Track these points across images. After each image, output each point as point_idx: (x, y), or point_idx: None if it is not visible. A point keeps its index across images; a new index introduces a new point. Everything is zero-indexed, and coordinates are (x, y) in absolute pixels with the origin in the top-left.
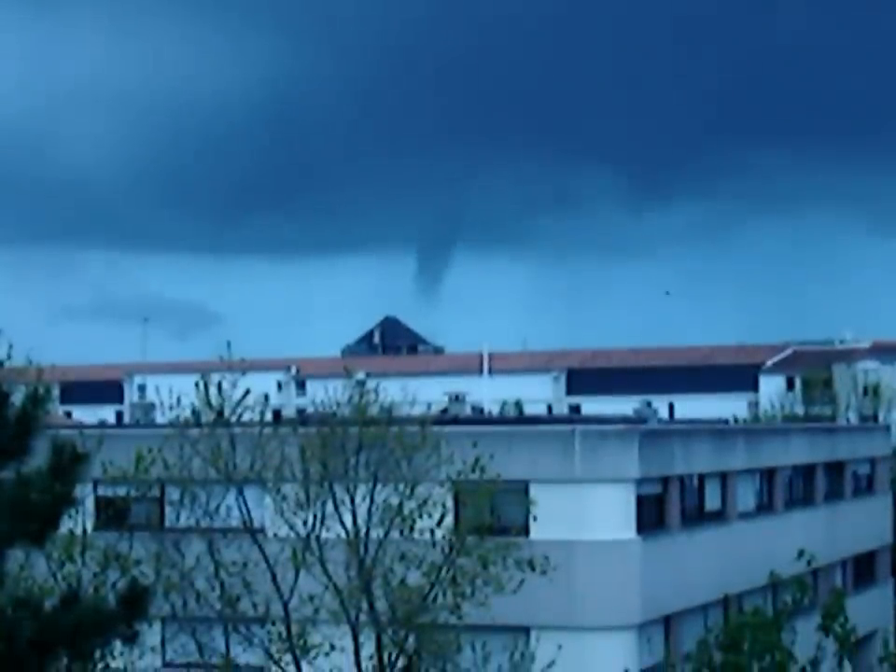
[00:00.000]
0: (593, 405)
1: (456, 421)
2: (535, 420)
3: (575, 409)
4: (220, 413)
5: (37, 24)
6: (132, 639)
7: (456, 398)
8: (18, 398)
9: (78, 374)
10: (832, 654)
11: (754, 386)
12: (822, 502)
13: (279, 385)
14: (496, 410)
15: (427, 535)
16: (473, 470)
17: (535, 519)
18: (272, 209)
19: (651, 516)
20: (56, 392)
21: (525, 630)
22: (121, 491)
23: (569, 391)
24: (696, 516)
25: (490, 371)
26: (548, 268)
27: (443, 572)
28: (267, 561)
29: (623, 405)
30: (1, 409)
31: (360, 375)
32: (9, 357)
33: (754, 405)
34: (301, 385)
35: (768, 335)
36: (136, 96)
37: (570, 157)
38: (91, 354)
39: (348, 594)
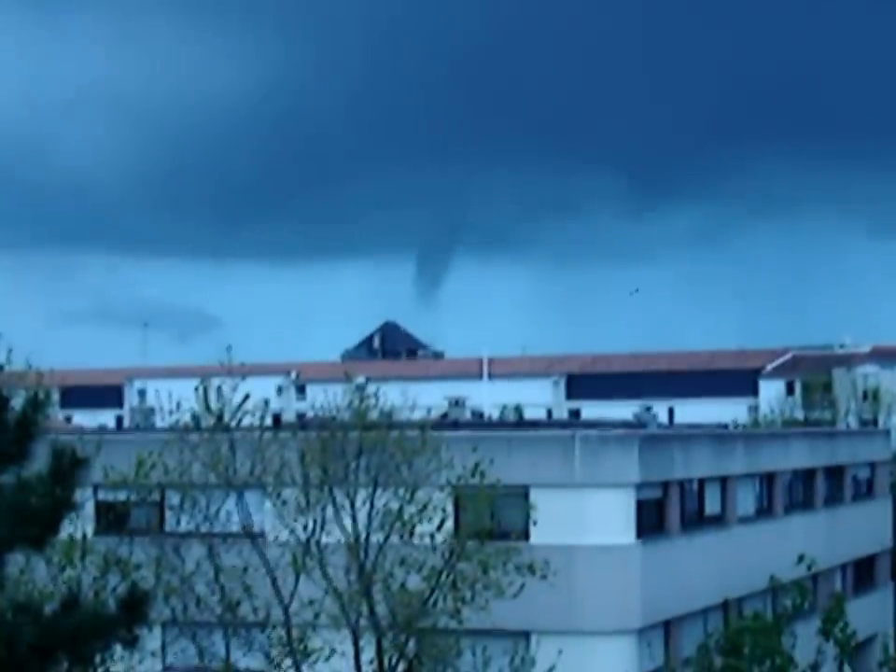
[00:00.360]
0: (593, 410)
1: (456, 425)
2: (535, 425)
3: (575, 413)
4: (220, 418)
5: (38, 29)
6: (132, 644)
7: (456, 402)
8: (18, 402)
9: (78, 379)
10: (832, 658)
11: (754, 391)
12: (822, 507)
13: (279, 390)
14: (496, 414)
15: (428, 539)
16: (473, 475)
17: (535, 523)
18: (272, 214)
19: (651, 521)
20: (56, 396)
21: (526, 634)
22: (121, 495)
23: (569, 396)
24: (696, 521)
25: (490, 376)
26: (548, 272)
27: (444, 577)
28: (267, 565)
29: (623, 410)
30: (1, 413)
31: (360, 380)
32: (9, 361)
33: (754, 409)
34: (300, 390)
35: (768, 340)
36: (136, 101)
37: (570, 161)
38: (91, 358)
39: (348, 598)
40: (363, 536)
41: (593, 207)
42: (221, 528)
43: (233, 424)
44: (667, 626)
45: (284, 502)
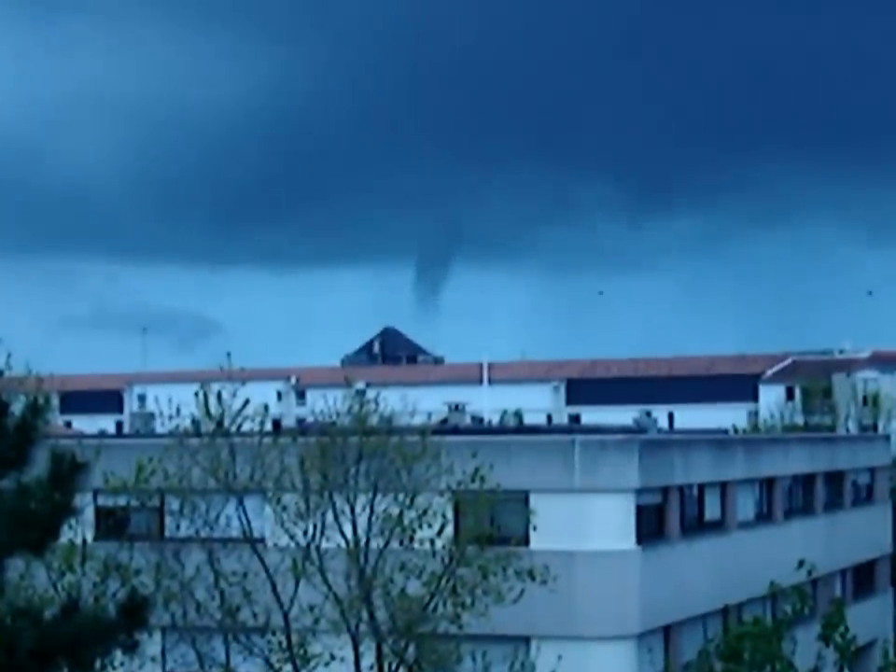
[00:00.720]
0: (592, 415)
1: (456, 431)
2: (535, 430)
3: (575, 419)
4: (220, 423)
5: (35, 34)
6: (132, 649)
7: (456, 407)
8: (18, 407)
9: (78, 384)
10: (832, 664)
11: (754, 396)
12: (822, 512)
13: (279, 395)
14: (495, 420)
15: (427, 545)
16: (473, 480)
17: (535, 529)
18: (272, 220)
19: (650, 526)
20: (56, 402)
21: (526, 640)
22: (121, 501)
23: (569, 401)
24: (696, 526)
25: (490, 381)
26: (547, 279)
27: (443, 582)
28: (267, 571)
29: (623, 415)
30: (1, 418)
31: (360, 385)
32: (9, 366)
33: (754, 415)
34: (300, 395)
35: (768, 345)
36: (136, 107)
37: (570, 169)
38: (91, 363)
39: (348, 603)
40: (363, 541)
41: (592, 214)
42: (221, 534)
43: (233, 429)
44: (667, 632)
45: (284, 507)
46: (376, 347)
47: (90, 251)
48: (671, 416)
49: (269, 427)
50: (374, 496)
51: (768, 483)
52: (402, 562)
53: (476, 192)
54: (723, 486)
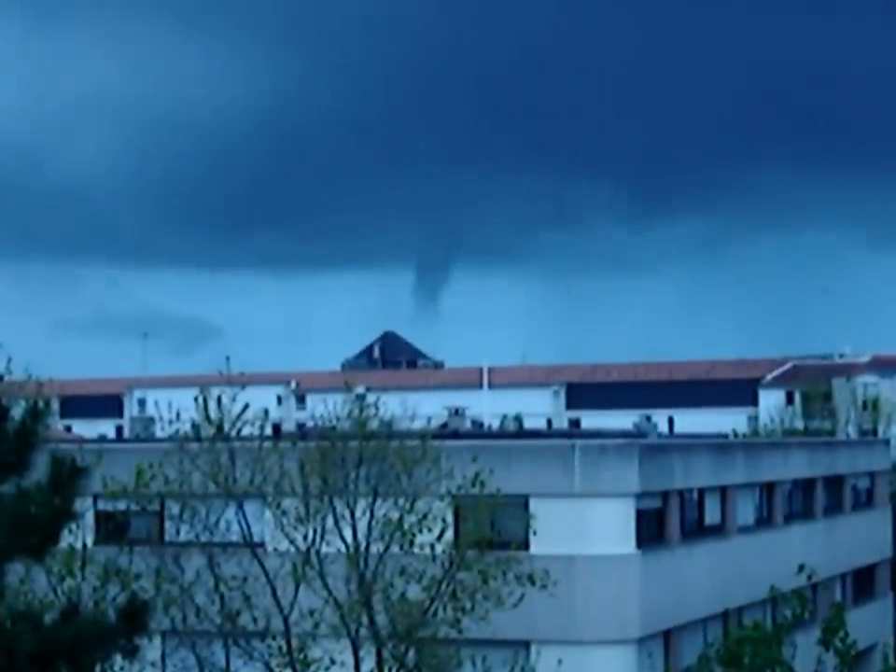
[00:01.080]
0: (592, 419)
1: (456, 435)
2: (535, 434)
3: (575, 423)
4: (220, 428)
5: (37, 38)
6: (132, 654)
7: (456, 412)
8: (18, 412)
9: (78, 388)
10: (832, 668)
11: (754, 401)
12: (822, 516)
13: (279, 400)
14: (495, 424)
15: (428, 549)
16: (473, 485)
17: (535, 533)
18: (272, 225)
19: (650, 530)
20: (56, 406)
21: (526, 644)
22: (121, 505)
23: (569, 405)
24: (696, 530)
25: (490, 386)
26: (547, 283)
27: (443, 587)
28: (267, 575)
29: (623, 419)
30: (1, 423)
31: (360, 389)
32: (9, 370)
33: (754, 419)
34: (300, 400)
35: (768, 349)
36: (136, 111)
37: (569, 173)
38: (91, 368)
39: (348, 608)
40: (363, 546)
41: (593, 218)
42: (221, 538)
43: (233, 434)
44: (667, 636)
45: (284, 512)
46: (376, 352)
47: (90, 255)
48: (671, 421)
49: (269, 431)
50: (374, 500)
51: (768, 488)
52: (402, 566)
53: (476, 197)
54: (723, 491)
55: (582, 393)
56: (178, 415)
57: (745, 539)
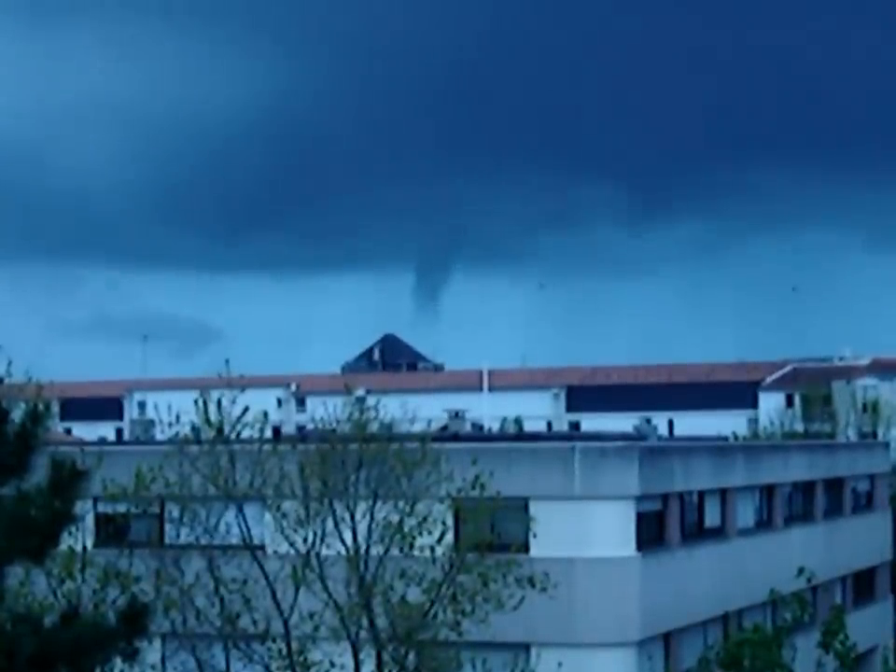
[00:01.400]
0: (592, 422)
1: (456, 438)
2: (535, 437)
3: (575, 426)
4: (220, 430)
5: (37, 40)
6: (132, 656)
7: (456, 414)
8: (18, 414)
9: (78, 391)
10: (832, 671)
11: (754, 403)
12: (822, 519)
13: (279, 402)
14: (495, 427)
15: (428, 552)
16: (473, 487)
17: (535, 536)
18: (272, 227)
19: (650, 533)
20: (56, 409)
21: (526, 647)
22: (121, 508)
23: (569, 408)
24: (696, 533)
25: (490, 388)
26: (547, 284)
27: (444, 589)
28: (267, 578)
29: (623, 422)
30: (1, 425)
31: (360, 392)
32: (9, 373)
33: (754, 422)
34: (300, 402)
35: (768, 352)
36: (136, 113)
37: (570, 175)
38: (91, 370)
39: (348, 611)
40: (363, 548)
41: (592, 220)
42: (221, 541)
43: (233, 436)
44: (667, 639)
45: (284, 515)
46: (376, 354)
47: (90, 257)
48: (671, 423)
49: (269, 434)
50: (374, 503)
51: (768, 491)
52: (402, 569)
53: (476, 199)
54: (723, 493)
55: (582, 395)
56: (178, 418)
57: (745, 541)
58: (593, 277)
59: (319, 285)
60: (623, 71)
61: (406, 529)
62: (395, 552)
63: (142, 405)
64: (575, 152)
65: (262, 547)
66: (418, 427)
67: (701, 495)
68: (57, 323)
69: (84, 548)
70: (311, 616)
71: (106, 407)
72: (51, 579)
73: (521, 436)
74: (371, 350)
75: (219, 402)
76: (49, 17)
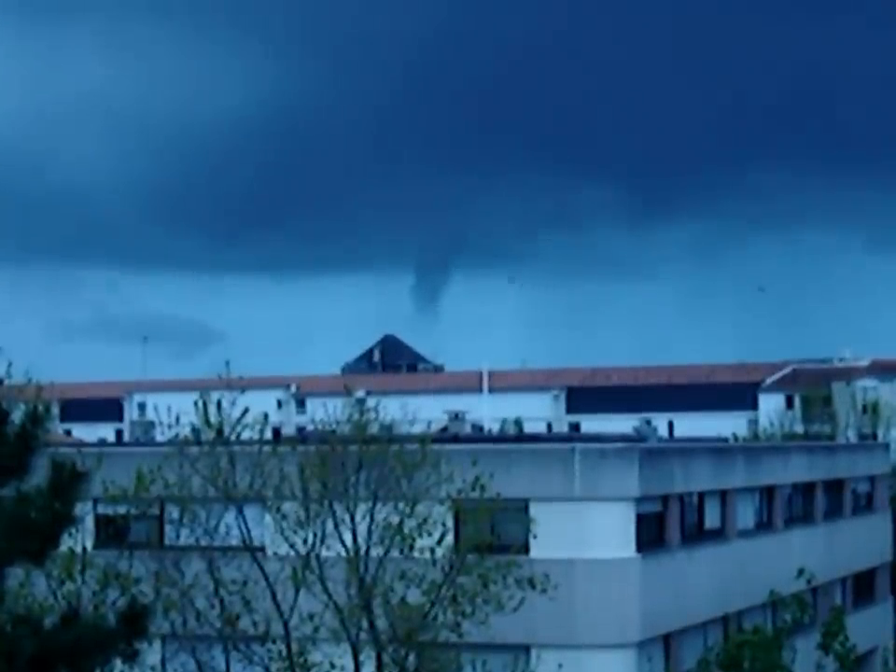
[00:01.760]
0: (592, 423)
1: (456, 439)
2: (535, 438)
3: (575, 427)
4: (220, 432)
5: (36, 41)
6: (132, 658)
7: (456, 416)
8: (18, 416)
9: (78, 392)
10: None
11: (754, 405)
12: (822, 520)
13: (279, 404)
14: (495, 428)
15: (428, 553)
16: (473, 489)
17: (535, 537)
18: (272, 228)
19: (650, 534)
20: (56, 410)
21: (526, 648)
22: (121, 509)
23: (569, 409)
24: (696, 534)
25: (490, 390)
26: (548, 286)
27: (444, 591)
28: (267, 579)
29: (623, 423)
30: (1, 427)
31: (360, 393)
32: (9, 374)
33: (754, 423)
34: (300, 404)
35: (768, 353)
36: (136, 115)
37: (570, 175)
38: (91, 372)
39: (348, 612)
40: (363, 550)
41: (593, 221)
42: (221, 542)
43: (233, 437)
44: (667, 640)
45: (283, 516)
46: (376, 355)
47: (90, 259)
48: (671, 425)
49: (269, 435)
50: (374, 504)
51: (768, 492)
52: (402, 570)
53: (476, 200)
54: (723, 495)
55: (582, 397)
56: (178, 419)
57: (745, 542)
58: (593, 278)
59: (319, 286)
60: (624, 71)
61: (406, 531)
62: (395, 553)
63: (142, 406)
64: (575, 153)
65: (262, 548)
66: (418, 429)
67: (701, 496)
68: (57, 324)
69: (84, 549)
70: (311, 617)
71: (106, 408)
72: (51, 580)
73: (521, 437)
74: (370, 351)
75: (219, 404)
76: (50, 16)
